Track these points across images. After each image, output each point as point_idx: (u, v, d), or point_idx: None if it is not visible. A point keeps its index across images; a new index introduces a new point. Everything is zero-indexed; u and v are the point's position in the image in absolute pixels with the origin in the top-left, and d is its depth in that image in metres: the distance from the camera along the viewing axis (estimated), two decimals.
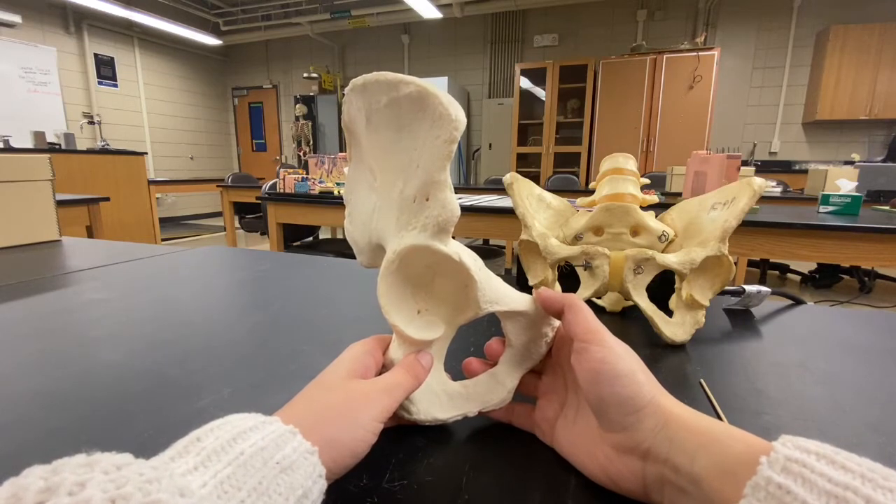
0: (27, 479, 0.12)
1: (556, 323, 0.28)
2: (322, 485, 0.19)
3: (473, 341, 0.42)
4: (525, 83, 5.06)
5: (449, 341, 0.29)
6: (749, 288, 0.52)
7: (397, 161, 0.25)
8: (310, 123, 6.21)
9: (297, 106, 6.17)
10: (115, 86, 5.78)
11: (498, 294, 0.27)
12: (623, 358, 0.23)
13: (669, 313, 0.45)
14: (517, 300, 0.27)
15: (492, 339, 0.30)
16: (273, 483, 0.17)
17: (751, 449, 0.17)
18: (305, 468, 0.18)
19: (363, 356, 0.26)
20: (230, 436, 0.17)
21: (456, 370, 0.30)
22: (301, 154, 6.16)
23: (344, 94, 0.26)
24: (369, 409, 0.22)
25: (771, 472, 0.15)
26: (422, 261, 0.26)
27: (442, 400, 0.28)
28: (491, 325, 0.46)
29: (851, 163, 3.44)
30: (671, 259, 0.42)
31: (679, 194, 2.47)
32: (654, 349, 0.42)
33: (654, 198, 0.50)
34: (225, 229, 4.13)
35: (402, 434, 0.28)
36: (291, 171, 2.64)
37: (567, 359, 0.26)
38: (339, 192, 2.28)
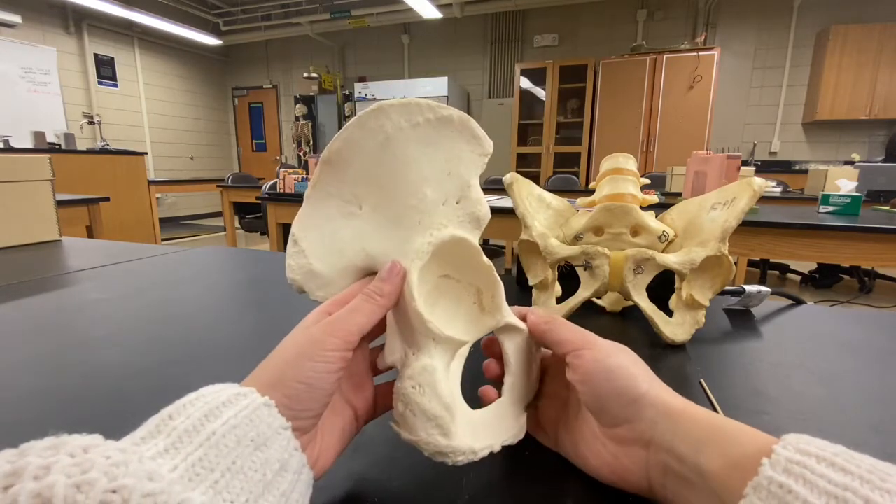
0: None
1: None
2: (301, 458, 0.19)
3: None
4: (525, 83, 5.06)
5: (463, 361, 0.27)
6: (749, 288, 0.52)
7: (418, 173, 0.26)
8: (310, 123, 6.21)
9: (297, 106, 6.17)
10: (115, 86, 5.78)
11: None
12: (614, 355, 0.23)
13: (669, 313, 0.45)
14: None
15: (488, 360, 0.28)
16: (248, 461, 0.16)
17: (757, 443, 0.18)
18: (280, 443, 0.18)
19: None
20: (202, 413, 0.17)
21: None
22: (301, 154, 6.16)
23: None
24: (323, 339, 0.21)
25: (773, 473, 0.16)
26: (440, 270, 0.26)
27: (475, 430, 0.25)
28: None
29: (851, 163, 3.44)
30: (671, 259, 0.42)
31: (679, 194, 2.47)
32: (654, 349, 0.42)
33: (654, 198, 0.50)
34: (225, 229, 4.13)
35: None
36: (291, 171, 2.64)
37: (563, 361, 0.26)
38: None
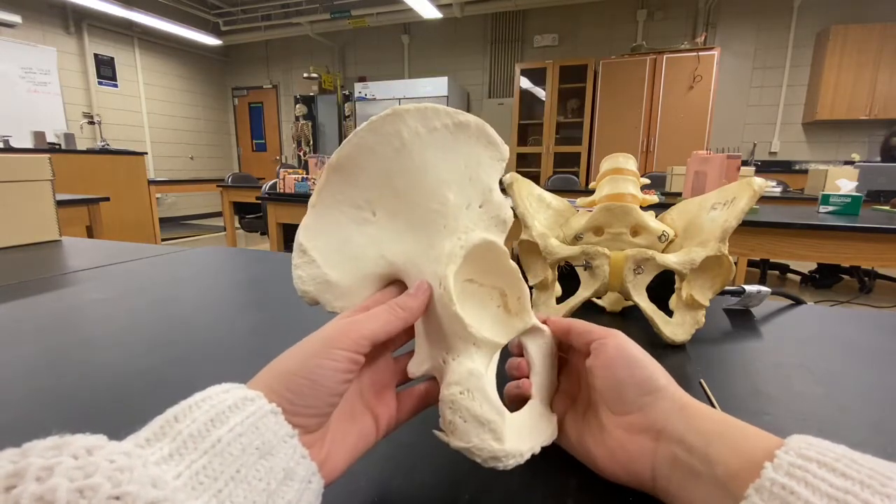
0: None
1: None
2: (309, 466, 0.18)
3: None
4: (525, 83, 5.06)
5: (496, 365, 0.26)
6: (749, 288, 0.52)
7: (438, 178, 0.26)
8: (310, 123, 6.21)
9: (297, 106, 6.17)
10: (115, 86, 5.78)
11: None
12: (635, 347, 0.24)
13: (669, 313, 0.45)
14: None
15: (519, 360, 0.28)
16: (252, 469, 0.16)
17: (763, 443, 0.18)
18: (286, 451, 0.18)
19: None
20: (208, 417, 0.16)
21: None
22: (301, 154, 6.16)
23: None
24: (333, 340, 0.21)
25: (775, 475, 0.16)
26: (465, 274, 0.26)
27: (518, 433, 0.24)
28: None
29: (851, 163, 3.44)
30: (671, 259, 0.42)
31: (679, 194, 2.47)
32: (654, 349, 0.42)
33: (654, 198, 0.50)
34: (225, 229, 4.13)
35: (402, 433, 0.28)
36: (291, 171, 2.64)
37: (579, 356, 0.27)
38: None
